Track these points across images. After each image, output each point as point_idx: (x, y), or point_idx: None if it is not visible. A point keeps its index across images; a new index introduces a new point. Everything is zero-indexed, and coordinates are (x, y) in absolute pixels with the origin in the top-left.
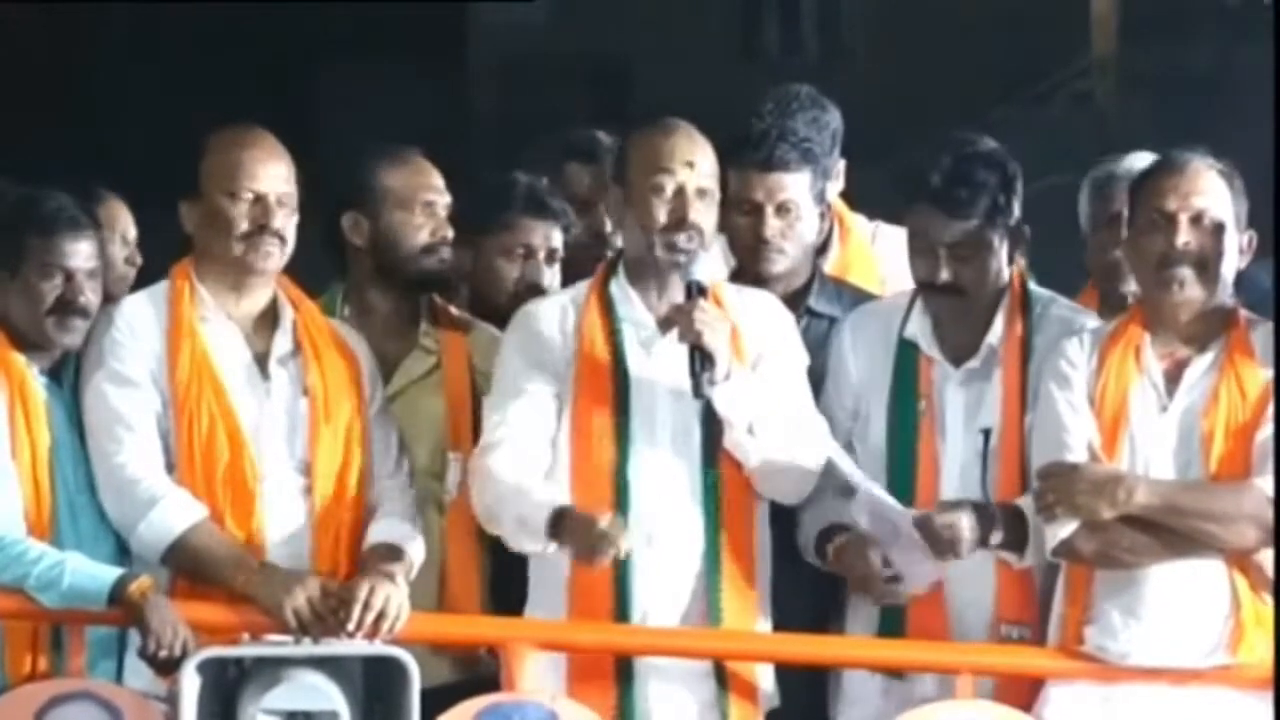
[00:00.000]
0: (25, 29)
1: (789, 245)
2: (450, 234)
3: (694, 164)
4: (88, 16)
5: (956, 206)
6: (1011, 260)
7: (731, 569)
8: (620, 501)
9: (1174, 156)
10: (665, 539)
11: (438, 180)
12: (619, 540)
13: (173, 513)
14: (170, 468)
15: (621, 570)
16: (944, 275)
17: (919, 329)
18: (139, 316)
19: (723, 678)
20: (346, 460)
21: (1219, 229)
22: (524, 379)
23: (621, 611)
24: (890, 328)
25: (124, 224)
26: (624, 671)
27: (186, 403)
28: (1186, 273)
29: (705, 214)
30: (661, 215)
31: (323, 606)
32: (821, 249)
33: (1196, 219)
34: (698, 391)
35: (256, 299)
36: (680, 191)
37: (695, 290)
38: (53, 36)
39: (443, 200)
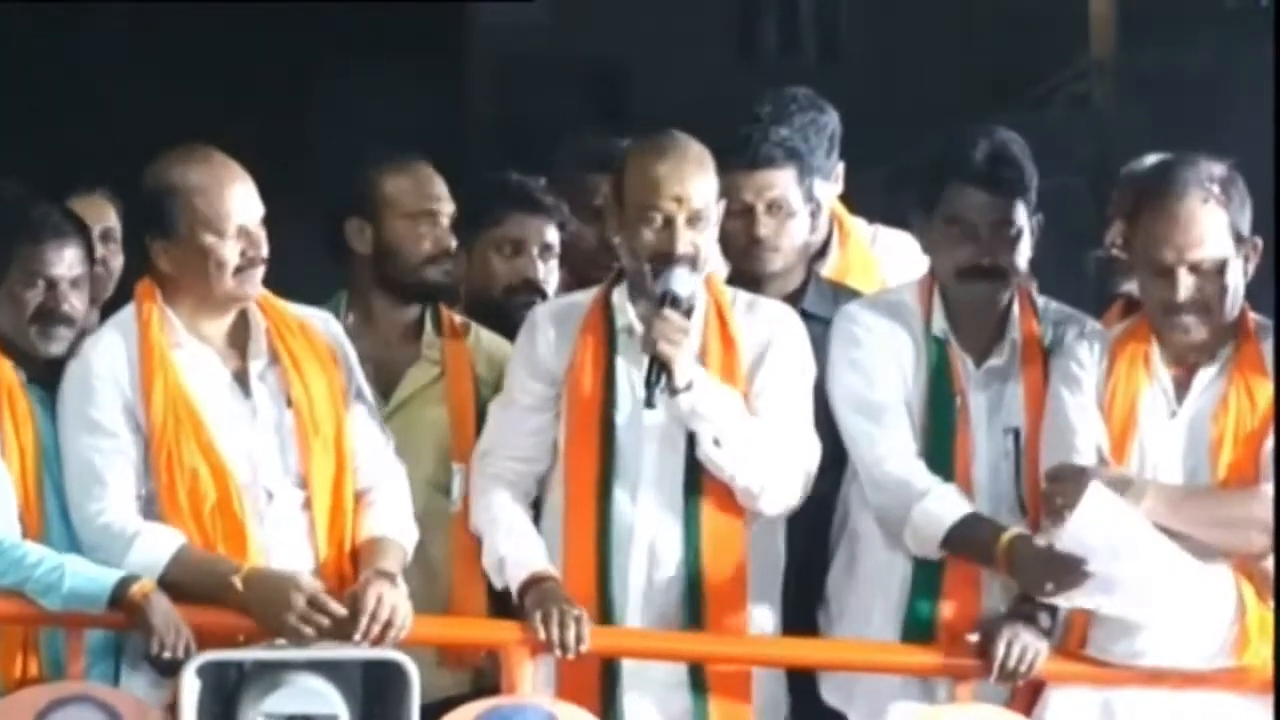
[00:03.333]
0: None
1: (783, 243)
2: (453, 244)
3: (682, 197)
4: (88, 17)
5: (1000, 185)
6: (1030, 251)
7: (715, 585)
8: (602, 511)
9: (1167, 189)
10: (645, 550)
11: (441, 189)
12: (584, 634)
13: (150, 548)
14: (151, 499)
15: (603, 579)
16: (988, 258)
17: (944, 327)
18: (109, 354)
19: (701, 687)
20: (340, 468)
21: (1220, 267)
22: (518, 387)
23: (605, 621)
24: (910, 323)
25: (108, 221)
26: (609, 680)
27: (164, 438)
28: (1190, 320)
29: (699, 239)
30: (650, 245)
31: (322, 615)
32: (821, 252)
33: (1195, 267)
34: (649, 401)
35: (229, 315)
36: (669, 222)
37: (668, 300)
38: (52, 36)
39: (446, 210)
